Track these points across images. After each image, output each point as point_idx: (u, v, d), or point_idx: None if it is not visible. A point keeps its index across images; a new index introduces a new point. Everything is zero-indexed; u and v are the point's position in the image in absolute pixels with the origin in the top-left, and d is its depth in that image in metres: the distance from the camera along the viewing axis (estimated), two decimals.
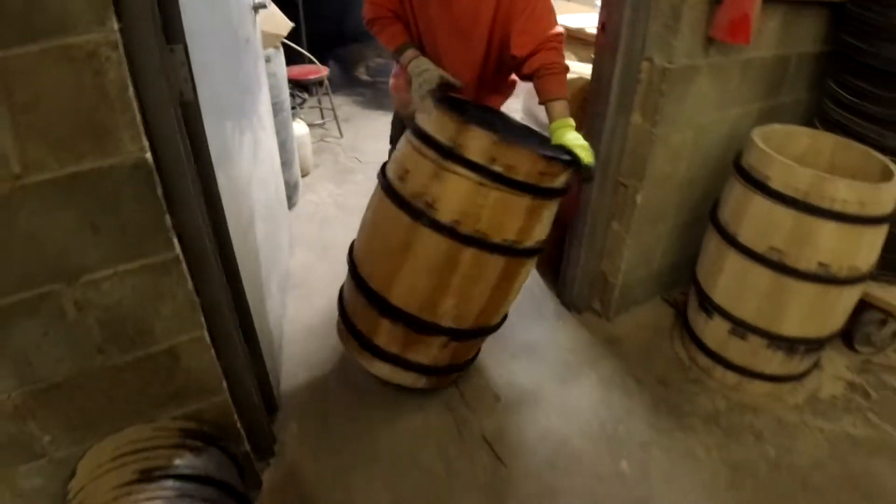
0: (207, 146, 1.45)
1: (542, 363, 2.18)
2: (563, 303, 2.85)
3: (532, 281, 2.91)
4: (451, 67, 2.09)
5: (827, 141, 2.34)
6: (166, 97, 1.24)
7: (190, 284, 1.45)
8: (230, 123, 1.83)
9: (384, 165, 2.10)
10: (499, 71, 2.22)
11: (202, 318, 1.52)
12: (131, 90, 1.17)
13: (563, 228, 2.64)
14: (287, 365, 2.45)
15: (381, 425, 2.21)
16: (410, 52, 2.08)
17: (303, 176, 3.87)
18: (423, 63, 2.04)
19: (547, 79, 1.98)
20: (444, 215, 1.81)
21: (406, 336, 2.03)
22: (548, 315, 2.78)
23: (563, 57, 2.01)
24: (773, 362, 2.28)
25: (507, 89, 2.38)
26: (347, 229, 3.39)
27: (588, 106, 2.41)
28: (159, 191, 1.29)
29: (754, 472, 2.09)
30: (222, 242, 1.58)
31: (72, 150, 1.17)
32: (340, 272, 3.02)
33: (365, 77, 6.15)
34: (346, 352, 2.19)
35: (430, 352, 2.08)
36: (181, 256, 1.40)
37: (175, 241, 1.37)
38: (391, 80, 2.39)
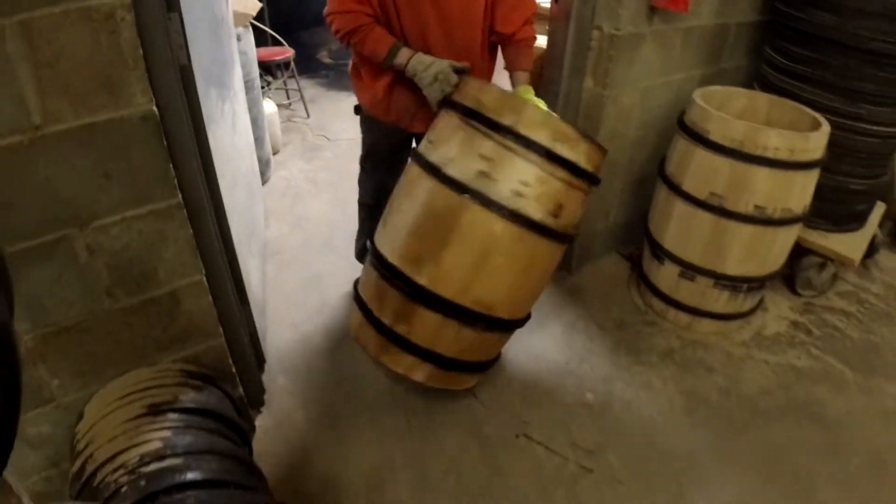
0: (200, 106, 1.57)
1: None
2: None
3: None
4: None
5: (762, 100, 2.55)
6: (168, 57, 1.36)
7: (190, 230, 1.56)
8: (214, 92, 1.95)
9: (489, 198, 1.78)
10: (491, 54, 2.22)
11: (201, 263, 1.64)
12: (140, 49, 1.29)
13: None
14: (271, 323, 2.57)
15: (363, 374, 2.35)
16: (406, 51, 1.98)
17: (273, 154, 3.96)
18: (425, 58, 1.97)
19: (524, 51, 2.14)
20: (573, 229, 1.97)
21: (504, 338, 2.21)
22: None
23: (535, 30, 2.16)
24: (720, 301, 2.49)
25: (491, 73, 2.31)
26: (319, 203, 3.54)
27: (544, 73, 2.58)
28: (164, 141, 1.41)
29: (706, 399, 2.30)
30: (214, 196, 1.70)
31: (88, 103, 1.28)
32: (315, 242, 3.16)
33: (328, 60, 6.24)
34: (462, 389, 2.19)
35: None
36: (182, 202, 1.51)
37: (177, 188, 1.49)
38: (354, 82, 2.25)
